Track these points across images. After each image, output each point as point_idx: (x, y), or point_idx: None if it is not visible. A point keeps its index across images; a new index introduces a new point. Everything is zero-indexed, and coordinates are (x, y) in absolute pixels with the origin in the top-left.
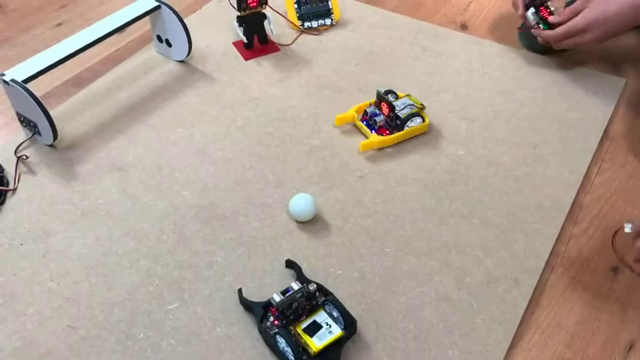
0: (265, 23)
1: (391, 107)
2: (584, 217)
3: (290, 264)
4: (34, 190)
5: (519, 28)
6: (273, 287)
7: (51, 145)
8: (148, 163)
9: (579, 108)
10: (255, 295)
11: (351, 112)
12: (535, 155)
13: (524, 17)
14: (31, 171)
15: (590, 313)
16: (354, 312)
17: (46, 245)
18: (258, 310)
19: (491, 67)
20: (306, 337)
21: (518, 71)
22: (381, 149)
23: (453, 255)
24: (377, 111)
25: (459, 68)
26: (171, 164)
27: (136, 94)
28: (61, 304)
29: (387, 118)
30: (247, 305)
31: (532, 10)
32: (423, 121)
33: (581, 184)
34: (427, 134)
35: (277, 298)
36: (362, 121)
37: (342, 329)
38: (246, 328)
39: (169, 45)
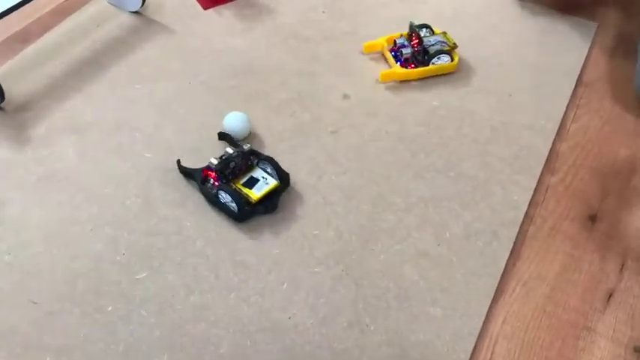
0: None
1: (421, 41)
2: (560, 165)
3: (222, 136)
4: None
5: None
6: (246, 251)
7: None
8: (106, 123)
9: (553, 53)
10: (226, 257)
11: (381, 40)
12: (510, 103)
13: None
14: None
15: (570, 263)
16: (331, 272)
17: (1, 215)
18: (198, 174)
19: (463, 12)
20: (246, 190)
21: (492, 17)
22: (403, 82)
23: (431, 210)
24: (406, 43)
25: (430, 14)
26: (130, 124)
27: (89, 48)
28: (20, 278)
29: (415, 52)
30: (187, 172)
31: None
32: (452, 60)
33: (557, 132)
34: (398, 84)
35: (215, 161)
36: (390, 51)
37: (277, 181)
38: (221, 295)
39: None
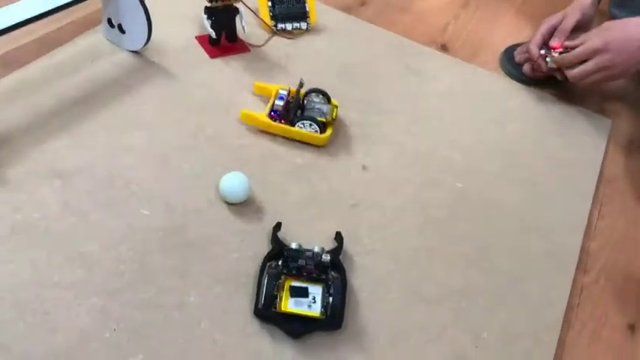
0: (237, 19)
1: (297, 100)
2: (592, 265)
3: (338, 237)
4: None
5: (517, 62)
6: (259, 335)
7: None
8: (96, 171)
9: (572, 146)
10: (238, 344)
11: (274, 86)
12: (536, 194)
13: (540, 61)
14: None
15: None
16: None
17: None
18: (275, 248)
19: (478, 94)
20: (285, 294)
21: (507, 101)
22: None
23: (464, 305)
24: (284, 96)
25: (445, 92)
26: (125, 175)
27: (80, 85)
28: None
29: (287, 107)
30: (274, 240)
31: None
32: (320, 132)
33: (585, 230)
34: (420, 161)
35: (294, 246)
36: (277, 97)
37: (320, 312)
38: None
39: (122, 32)
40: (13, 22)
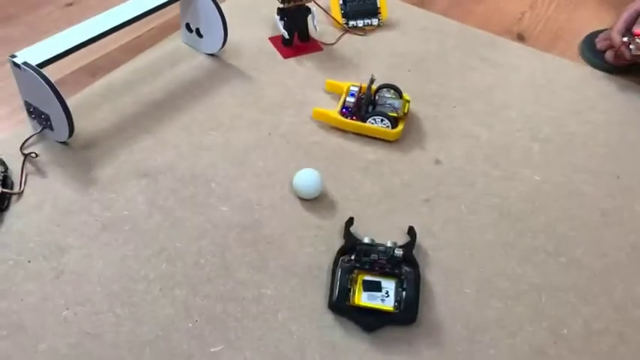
0: (309, 18)
1: (368, 96)
2: None
3: (411, 231)
4: (44, 195)
5: (599, 50)
6: (333, 328)
7: (64, 143)
8: (178, 170)
9: None
10: (313, 335)
11: (346, 83)
12: (620, 186)
13: (623, 49)
14: (41, 172)
15: None
16: None
17: (59, 264)
18: (348, 242)
19: (558, 83)
20: (358, 288)
21: (588, 90)
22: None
23: (544, 300)
24: (355, 93)
25: (522, 83)
26: (205, 173)
27: (162, 88)
28: (79, 340)
29: (358, 103)
30: (346, 235)
31: (630, 40)
32: (392, 128)
33: None
34: (496, 154)
35: (367, 241)
36: (348, 94)
37: (394, 306)
38: None
39: (200, 36)
40: (100, 32)
